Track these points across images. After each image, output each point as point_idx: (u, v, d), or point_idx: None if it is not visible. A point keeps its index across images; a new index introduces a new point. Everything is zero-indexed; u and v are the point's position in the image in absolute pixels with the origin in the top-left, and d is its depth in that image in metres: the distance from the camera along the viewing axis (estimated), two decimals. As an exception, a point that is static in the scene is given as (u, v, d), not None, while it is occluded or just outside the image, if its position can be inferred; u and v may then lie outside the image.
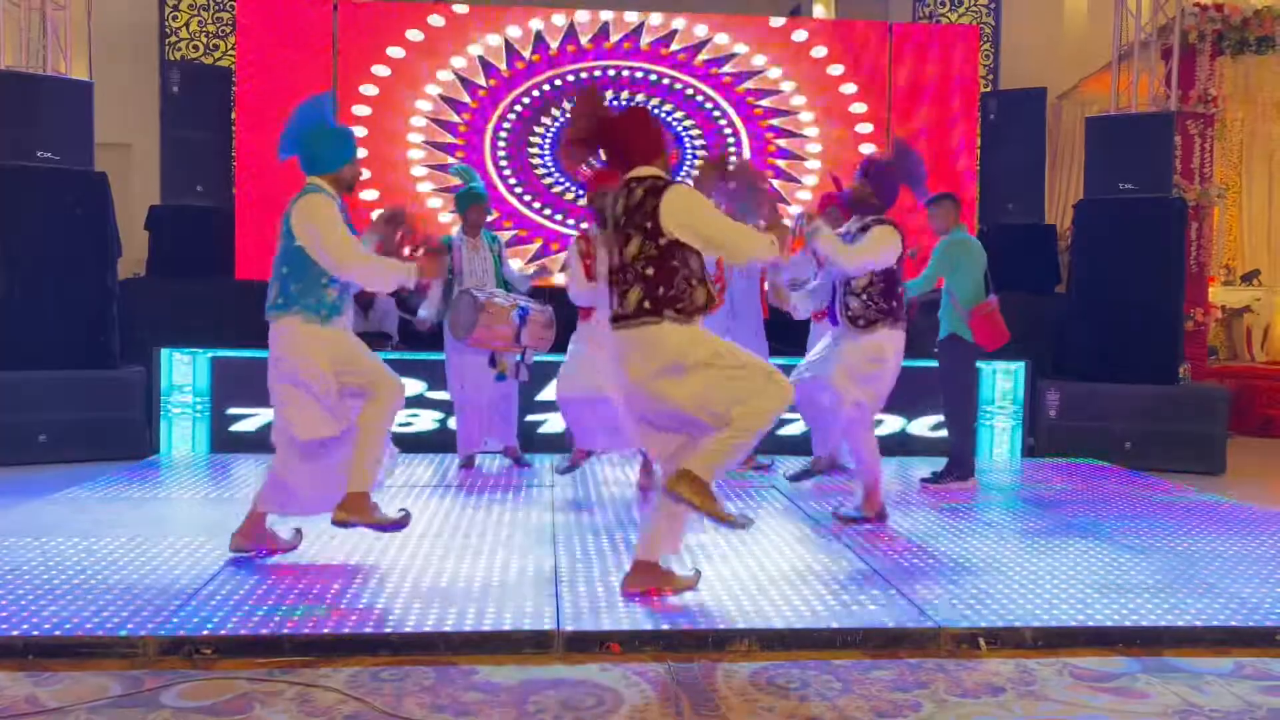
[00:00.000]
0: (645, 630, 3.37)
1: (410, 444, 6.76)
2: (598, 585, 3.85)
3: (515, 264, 6.92)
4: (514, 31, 8.31)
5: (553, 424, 6.82)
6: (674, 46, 8.38)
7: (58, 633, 3.21)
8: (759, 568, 4.15)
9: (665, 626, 3.40)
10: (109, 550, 4.17)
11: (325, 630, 3.27)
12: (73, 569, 3.90)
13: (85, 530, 4.49)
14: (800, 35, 8.51)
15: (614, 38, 8.37)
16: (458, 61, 8.27)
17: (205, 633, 3.23)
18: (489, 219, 6.38)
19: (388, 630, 3.28)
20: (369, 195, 8.28)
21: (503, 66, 8.31)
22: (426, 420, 6.93)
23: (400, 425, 6.75)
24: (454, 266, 5.93)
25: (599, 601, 3.64)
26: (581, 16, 8.36)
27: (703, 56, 8.39)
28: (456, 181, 6.47)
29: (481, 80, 8.30)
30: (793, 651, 3.36)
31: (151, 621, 3.31)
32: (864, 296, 4.84)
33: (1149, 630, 3.50)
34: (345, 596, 3.63)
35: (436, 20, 8.30)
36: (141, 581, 3.75)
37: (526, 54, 8.32)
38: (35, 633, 3.20)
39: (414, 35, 8.23)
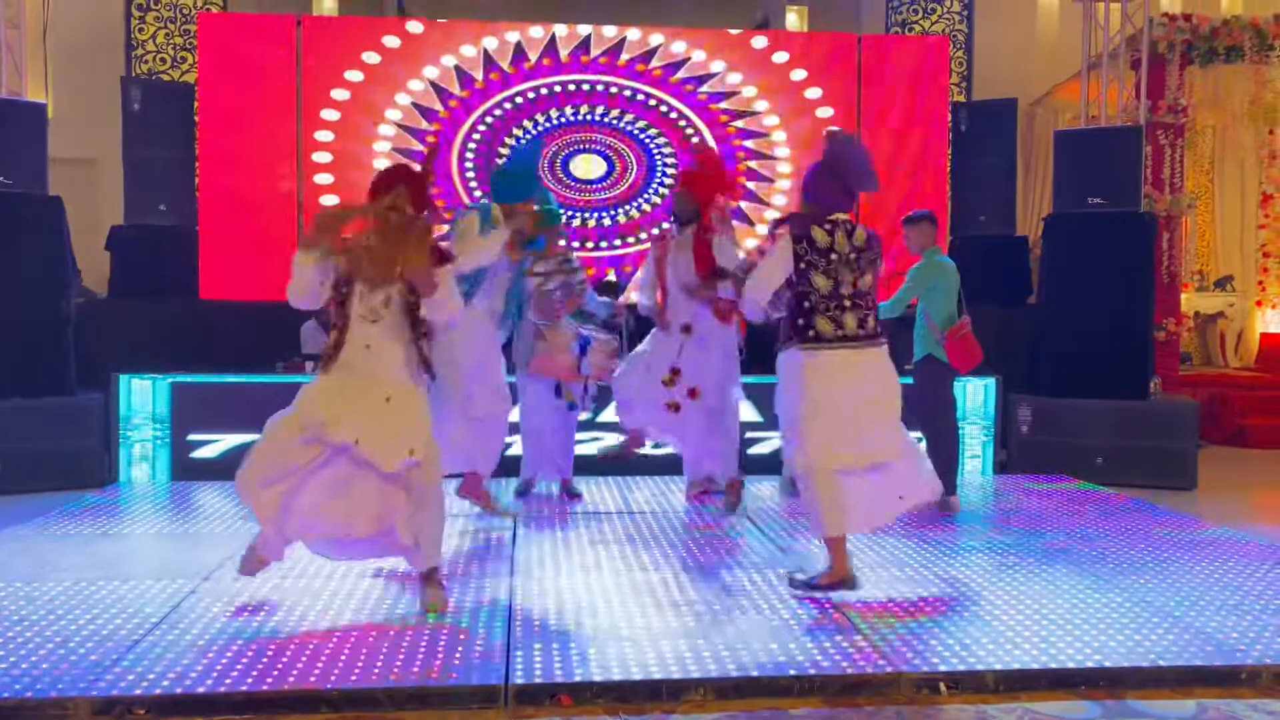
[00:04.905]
0: (597, 681, 3.28)
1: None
2: (552, 629, 3.76)
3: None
4: (488, 44, 8.20)
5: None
6: (639, 58, 8.29)
7: (-15, 695, 3.10)
8: (718, 605, 4.07)
9: (618, 676, 3.32)
10: (50, 596, 4.05)
11: (264, 686, 3.17)
12: (9, 619, 3.78)
13: (28, 574, 4.37)
14: (768, 47, 8.43)
15: (588, 51, 8.27)
16: (430, 71, 8.13)
17: (139, 691, 3.12)
18: (561, 242, 6.22)
19: (329, 686, 3.18)
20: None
21: (477, 78, 8.19)
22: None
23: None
24: (524, 293, 5.84)
25: (552, 648, 3.54)
26: (551, 31, 8.26)
27: (679, 76, 8.30)
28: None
29: (452, 93, 8.18)
30: (748, 700, 3.28)
31: (85, 679, 3.20)
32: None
33: (1111, 671, 3.44)
34: (289, 645, 3.53)
35: (403, 35, 8.18)
36: (80, 632, 3.63)
37: (499, 68, 8.22)
38: (-38, 695, 3.10)
39: (378, 52, 8.11)
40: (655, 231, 6.08)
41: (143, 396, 6.64)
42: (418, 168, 4.10)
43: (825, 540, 4.25)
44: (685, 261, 5.50)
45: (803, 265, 4.17)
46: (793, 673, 3.37)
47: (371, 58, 8.09)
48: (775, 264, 4.21)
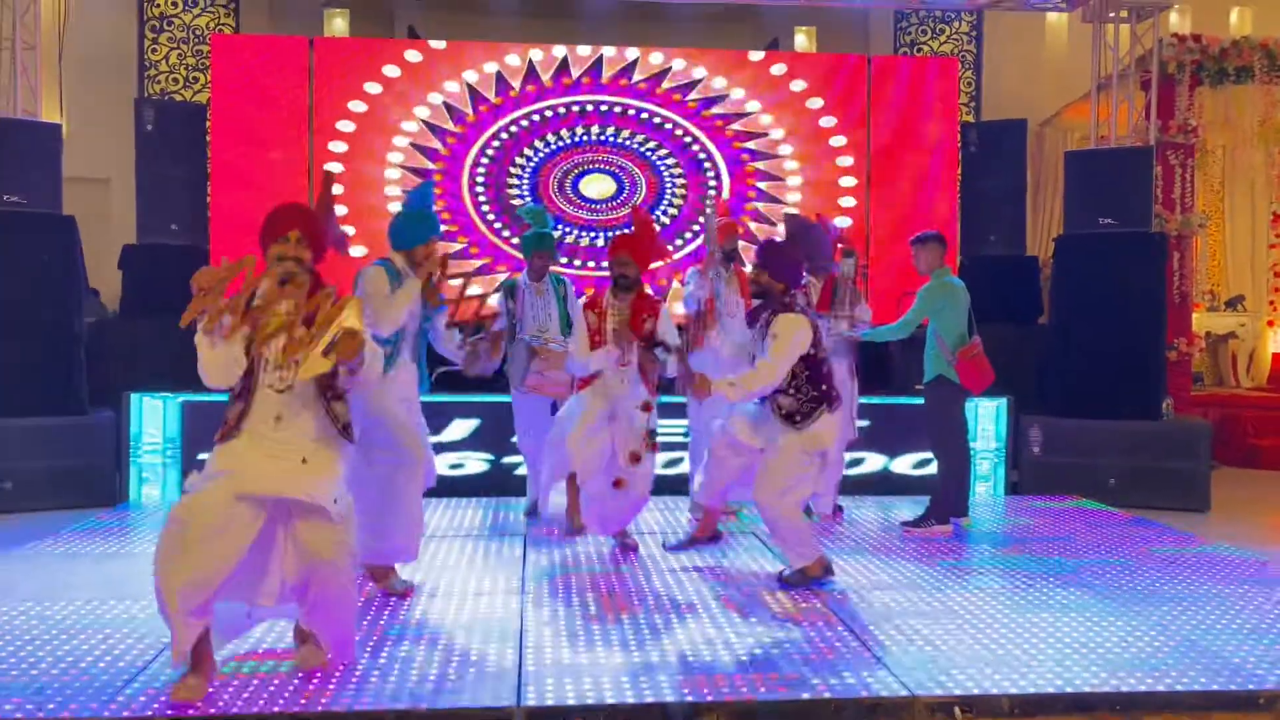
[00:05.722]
0: (610, 704, 3.26)
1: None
2: (564, 652, 3.74)
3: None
4: (493, 67, 8.24)
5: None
6: (650, 79, 8.33)
7: (-2, 715, 3.10)
8: (730, 628, 4.05)
9: (631, 699, 3.30)
10: (61, 616, 4.05)
11: (276, 708, 3.16)
12: (21, 638, 3.78)
13: (39, 593, 4.37)
14: (779, 69, 8.47)
15: (596, 72, 8.32)
16: (435, 98, 8.19)
17: (150, 713, 3.11)
18: (554, 262, 6.19)
19: (340, 709, 3.17)
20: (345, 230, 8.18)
21: (485, 100, 8.23)
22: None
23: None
24: (517, 311, 5.84)
25: (564, 671, 3.53)
26: (560, 52, 8.31)
27: (685, 93, 8.34)
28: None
29: (462, 114, 8.22)
30: (763, 724, 3.27)
31: (97, 699, 3.20)
32: (792, 391, 4.54)
33: (1127, 696, 3.41)
34: (297, 669, 3.51)
35: (414, 56, 8.23)
36: (91, 653, 3.63)
37: (508, 88, 8.25)
38: (-26, 715, 3.10)
39: (392, 71, 8.16)
40: (590, 292, 5.61)
41: (154, 415, 6.66)
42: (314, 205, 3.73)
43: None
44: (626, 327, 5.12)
45: (817, 337, 4.62)
46: (806, 696, 3.35)
47: (383, 78, 8.14)
48: (797, 348, 4.53)
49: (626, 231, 5.63)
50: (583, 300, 5.39)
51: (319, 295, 3.38)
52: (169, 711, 3.14)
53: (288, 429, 3.36)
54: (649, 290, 5.38)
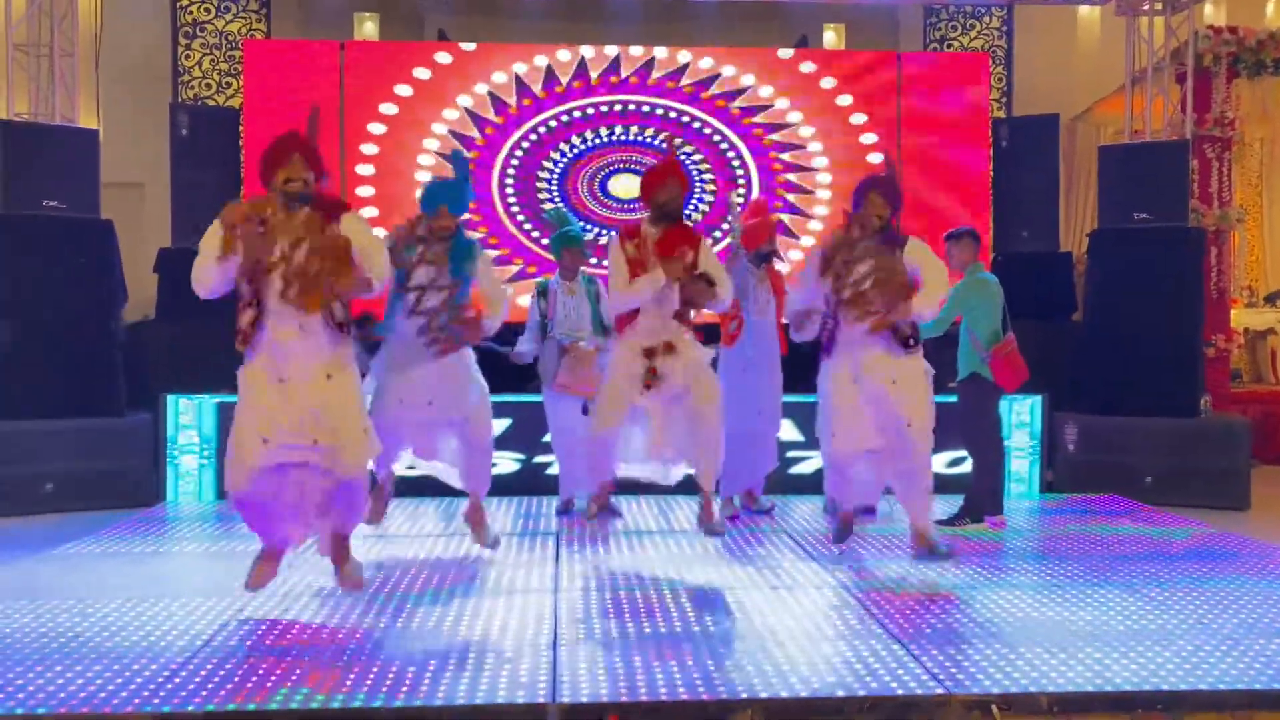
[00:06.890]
0: (645, 701, 3.26)
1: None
2: (598, 648, 3.75)
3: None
4: (521, 68, 8.27)
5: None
6: (683, 80, 8.33)
7: (41, 710, 3.14)
8: (764, 625, 4.04)
9: (665, 696, 3.30)
10: (103, 614, 4.11)
11: (313, 705, 3.19)
12: (65, 634, 3.84)
13: (81, 591, 4.43)
14: (808, 66, 8.44)
15: (623, 72, 8.32)
16: (466, 99, 8.23)
17: (190, 709, 3.15)
18: (586, 261, 6.22)
19: (377, 704, 3.19)
20: (377, 233, 8.23)
21: (512, 102, 8.26)
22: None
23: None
24: (548, 311, 5.86)
25: (598, 667, 3.53)
26: (588, 52, 8.32)
27: (711, 91, 8.33)
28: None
29: (491, 116, 8.26)
30: (798, 721, 3.25)
31: (139, 695, 3.24)
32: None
33: (1168, 694, 3.36)
34: (338, 664, 3.54)
35: (444, 59, 8.28)
36: (133, 650, 3.68)
37: (537, 89, 8.28)
38: (20, 710, 3.14)
39: (421, 74, 8.21)
40: (610, 235, 5.62)
41: (189, 417, 6.74)
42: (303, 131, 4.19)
43: None
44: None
45: None
46: (842, 693, 3.33)
47: (413, 82, 8.19)
48: None
49: (657, 163, 5.44)
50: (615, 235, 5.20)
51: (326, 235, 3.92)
52: (209, 706, 3.17)
53: (309, 336, 3.86)
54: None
